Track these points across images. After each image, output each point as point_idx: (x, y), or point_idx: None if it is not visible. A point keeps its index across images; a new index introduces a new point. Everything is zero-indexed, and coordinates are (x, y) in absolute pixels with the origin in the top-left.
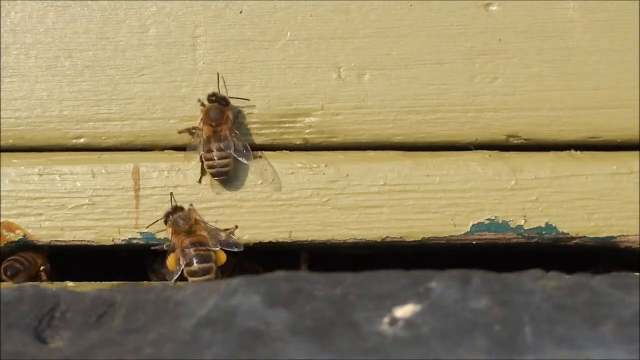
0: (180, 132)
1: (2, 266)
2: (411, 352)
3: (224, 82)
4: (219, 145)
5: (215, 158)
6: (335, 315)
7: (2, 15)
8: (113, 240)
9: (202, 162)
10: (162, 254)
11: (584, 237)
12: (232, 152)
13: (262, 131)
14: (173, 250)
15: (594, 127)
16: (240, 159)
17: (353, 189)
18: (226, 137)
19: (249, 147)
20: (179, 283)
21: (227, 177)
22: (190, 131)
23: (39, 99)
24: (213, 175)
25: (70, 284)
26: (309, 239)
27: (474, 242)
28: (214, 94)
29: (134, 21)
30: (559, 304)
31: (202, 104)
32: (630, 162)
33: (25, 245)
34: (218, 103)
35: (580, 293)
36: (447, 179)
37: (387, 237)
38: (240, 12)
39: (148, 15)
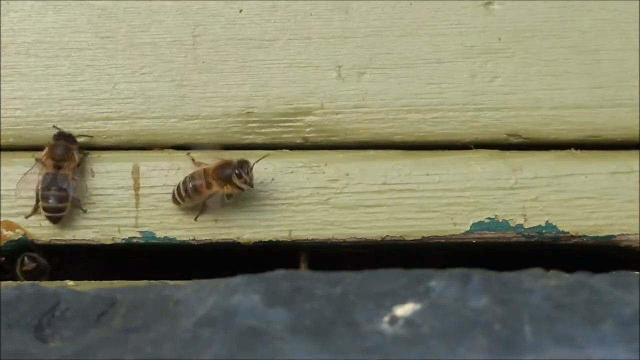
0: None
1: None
2: (411, 351)
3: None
4: (59, 186)
5: (52, 199)
6: (335, 314)
7: (2, 14)
8: (113, 240)
9: (37, 198)
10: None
11: (584, 236)
12: (71, 194)
13: (262, 130)
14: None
15: (594, 126)
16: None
17: (353, 188)
18: (67, 177)
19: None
20: (179, 282)
21: (60, 219)
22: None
23: (39, 98)
24: (47, 217)
25: (70, 283)
26: (309, 238)
27: (474, 241)
28: (60, 132)
29: (134, 20)
30: (559, 303)
31: (56, 135)
32: (630, 161)
33: (27, 246)
34: (65, 140)
35: (580, 292)
36: (447, 178)
37: (387, 236)
38: (240, 11)
39: (148, 14)
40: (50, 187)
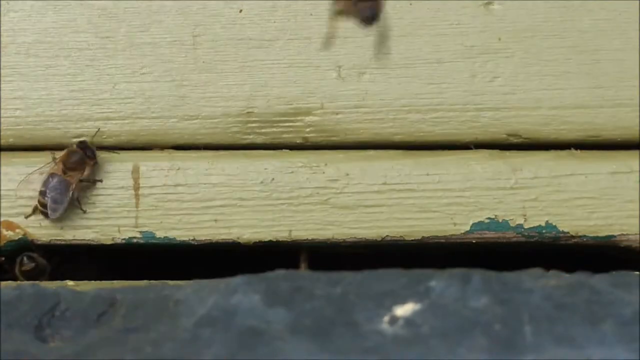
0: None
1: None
2: (411, 351)
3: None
4: (60, 189)
5: (49, 198)
6: (335, 314)
7: (2, 14)
8: (113, 240)
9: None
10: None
11: (584, 236)
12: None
13: (262, 130)
14: None
15: (594, 126)
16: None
17: (353, 188)
18: (69, 184)
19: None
20: (179, 282)
21: (54, 216)
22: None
23: (39, 98)
24: (41, 211)
25: (70, 283)
26: (309, 238)
27: (474, 241)
28: (84, 143)
29: (134, 20)
30: (559, 303)
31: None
32: (630, 161)
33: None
34: (84, 152)
35: (580, 292)
36: (447, 178)
37: (387, 236)
38: (240, 11)
39: (148, 14)
40: (50, 188)
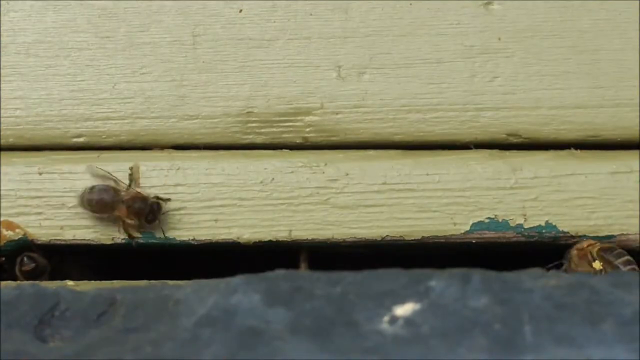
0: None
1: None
2: (411, 351)
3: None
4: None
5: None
6: (335, 314)
7: (2, 14)
8: (113, 240)
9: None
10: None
11: (584, 236)
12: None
13: (262, 130)
14: None
15: (594, 126)
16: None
17: (353, 187)
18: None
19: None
20: (179, 282)
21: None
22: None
23: (39, 98)
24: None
25: (70, 283)
26: (309, 238)
27: (474, 241)
28: (158, 208)
29: (133, 20)
30: (559, 302)
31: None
32: (630, 161)
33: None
34: (152, 214)
35: (580, 292)
36: (447, 177)
37: (387, 236)
38: (240, 10)
39: (148, 14)
40: (106, 197)
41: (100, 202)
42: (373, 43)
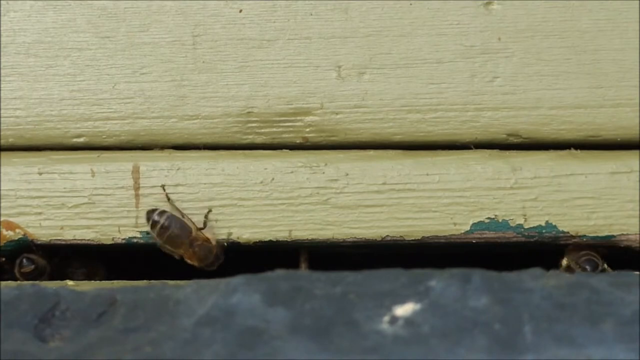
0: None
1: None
2: (411, 351)
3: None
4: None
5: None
6: (335, 314)
7: (2, 14)
8: (113, 240)
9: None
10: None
11: (584, 236)
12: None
13: (262, 130)
14: None
15: (593, 126)
16: None
17: (353, 188)
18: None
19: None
20: (178, 282)
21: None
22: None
23: (39, 98)
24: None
25: (70, 283)
26: (309, 238)
27: (474, 241)
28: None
29: (133, 20)
30: (559, 302)
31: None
32: (630, 161)
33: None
34: (214, 260)
35: (580, 292)
36: (447, 178)
37: (387, 236)
38: (240, 10)
39: (148, 14)
40: (178, 232)
41: (172, 234)
42: (373, 43)
